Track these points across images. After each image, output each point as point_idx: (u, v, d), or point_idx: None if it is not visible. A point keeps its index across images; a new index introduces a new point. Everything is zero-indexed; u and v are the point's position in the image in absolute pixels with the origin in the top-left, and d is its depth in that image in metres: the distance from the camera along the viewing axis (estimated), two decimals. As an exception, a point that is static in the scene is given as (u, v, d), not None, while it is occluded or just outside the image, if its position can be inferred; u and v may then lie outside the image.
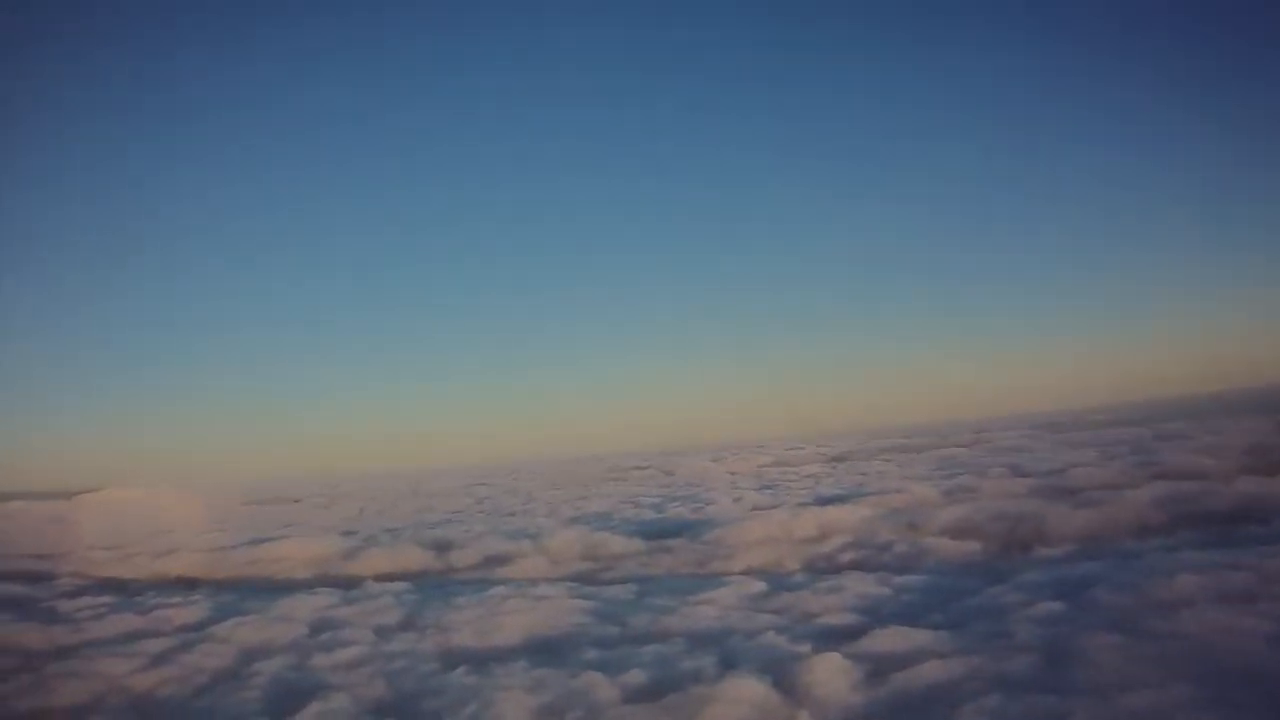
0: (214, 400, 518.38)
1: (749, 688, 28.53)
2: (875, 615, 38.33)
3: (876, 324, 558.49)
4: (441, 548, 71.93)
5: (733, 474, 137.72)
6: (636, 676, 30.78)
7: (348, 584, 57.71)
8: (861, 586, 44.24)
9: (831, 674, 29.62)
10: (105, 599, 56.52)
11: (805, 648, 33.03)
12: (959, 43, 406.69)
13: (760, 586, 45.98)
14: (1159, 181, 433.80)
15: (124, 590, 61.89)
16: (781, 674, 29.77)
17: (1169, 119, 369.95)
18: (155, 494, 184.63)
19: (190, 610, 51.12)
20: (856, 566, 52.61)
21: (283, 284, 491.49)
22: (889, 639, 33.15)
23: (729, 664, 31.73)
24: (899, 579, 45.50)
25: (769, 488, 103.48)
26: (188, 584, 66.56)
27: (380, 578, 59.36)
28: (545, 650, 37.08)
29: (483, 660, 35.33)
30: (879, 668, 29.99)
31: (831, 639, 34.38)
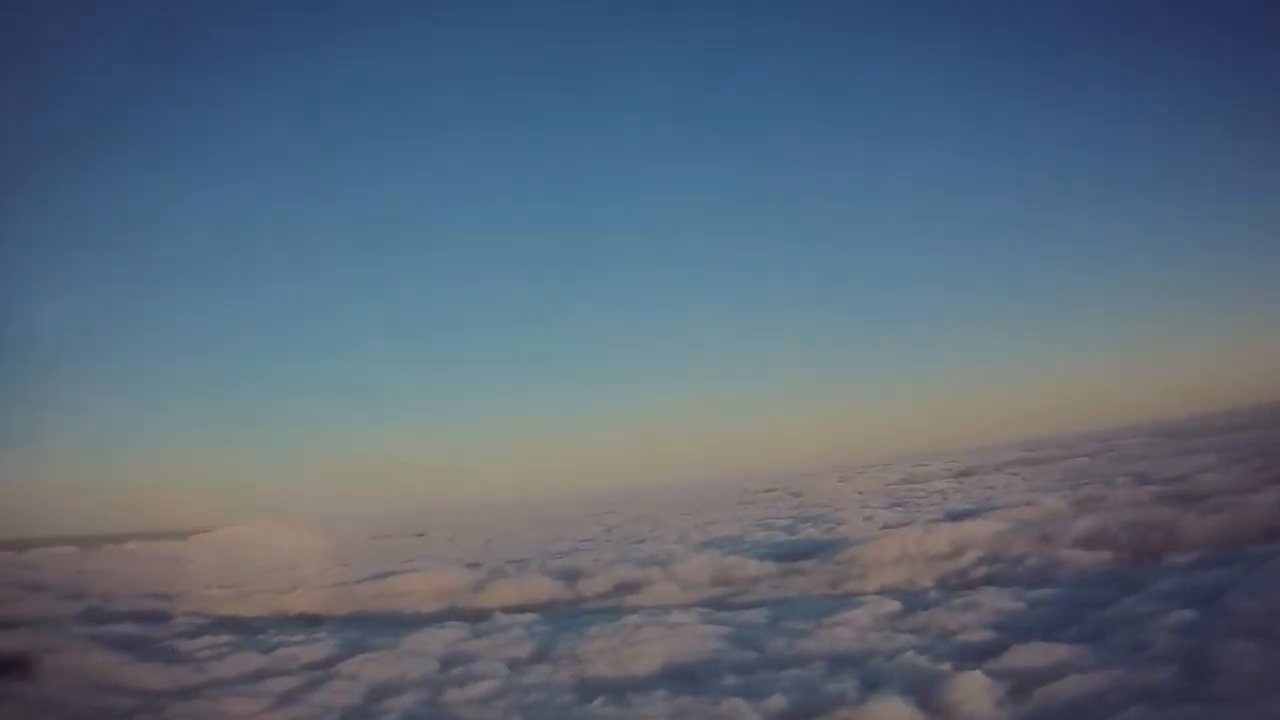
0: (330, 436, 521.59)
1: (894, 709, 28.54)
2: (1013, 631, 37.91)
3: (998, 336, 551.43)
4: (570, 577, 70.86)
5: (861, 493, 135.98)
6: (778, 702, 30.70)
7: (476, 616, 56.96)
8: (997, 602, 43.80)
9: (974, 692, 29.51)
10: (226, 638, 55.18)
11: (946, 666, 32.88)
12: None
13: (895, 606, 45.61)
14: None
15: (245, 629, 60.84)
16: (924, 694, 29.69)
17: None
18: (272, 531, 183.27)
19: (315, 648, 50.17)
20: (990, 581, 51.99)
21: (397, 315, 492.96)
22: (1028, 654, 32.84)
23: (871, 686, 31.52)
24: (1033, 593, 45.03)
25: (898, 505, 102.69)
26: (311, 621, 65.78)
27: (509, 609, 58.43)
28: (683, 678, 36.88)
29: (620, 690, 35.20)
30: (1021, 684, 29.85)
31: (971, 656, 34.21)
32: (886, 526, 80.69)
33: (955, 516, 77.95)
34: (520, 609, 58.74)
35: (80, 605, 76.19)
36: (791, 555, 68.58)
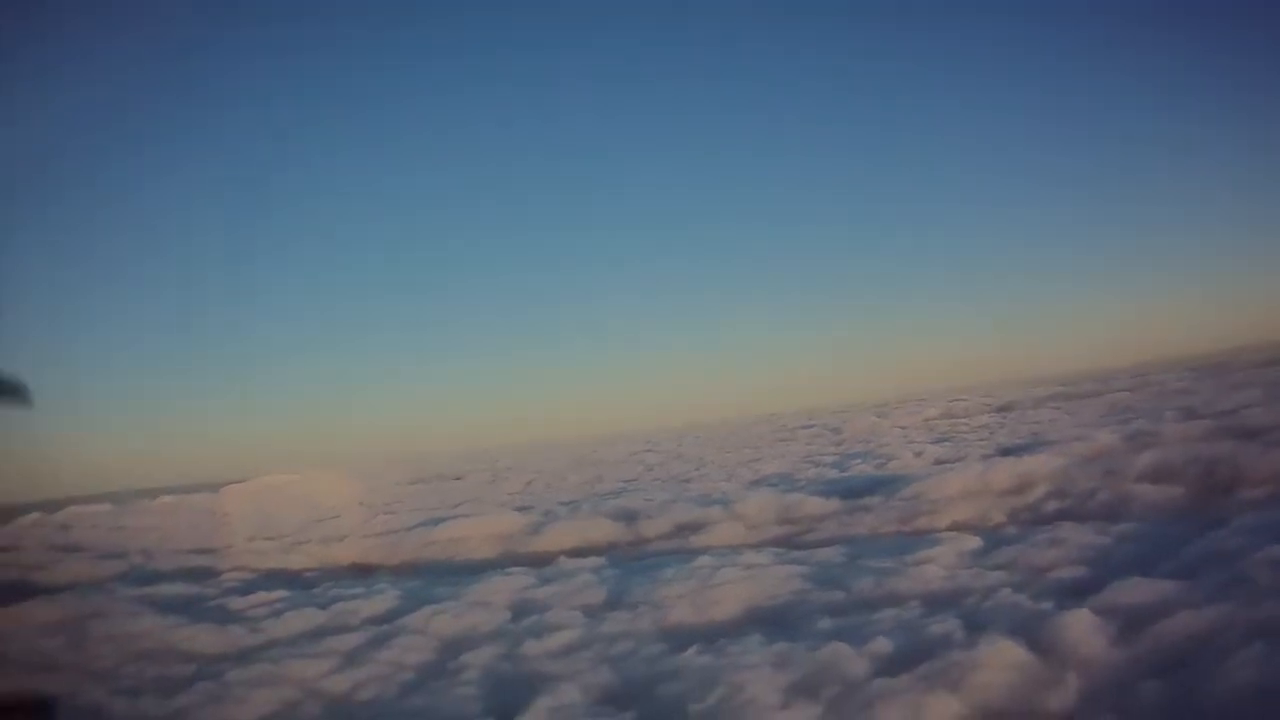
0: (357, 383, 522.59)
1: (1007, 651, 26.90)
2: (1105, 567, 36.43)
3: (1032, 272, 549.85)
4: (627, 518, 69.16)
5: (902, 428, 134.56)
6: (882, 645, 29.01)
7: (537, 562, 55.16)
8: (1079, 537, 42.29)
9: (1086, 631, 27.77)
10: (280, 593, 53.01)
11: (1047, 605, 31.27)
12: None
13: (976, 542, 44.11)
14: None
15: (296, 583, 59.15)
16: (1032, 634, 27.96)
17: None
18: (308, 479, 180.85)
19: (376, 601, 47.83)
20: (1064, 516, 50.68)
21: (416, 265, 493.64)
22: (1130, 591, 30.93)
23: (974, 627, 29.76)
24: (1116, 528, 43.50)
25: (944, 440, 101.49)
26: (363, 571, 64.51)
27: (570, 553, 57.10)
28: (773, 622, 35.21)
29: (710, 637, 33.39)
30: (1131, 622, 28.10)
31: (1072, 594, 32.73)
32: (939, 462, 79.81)
33: (1007, 451, 77.21)
34: (581, 552, 57.68)
35: (122, 565, 76.57)
36: (851, 492, 66.82)
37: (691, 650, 31.84)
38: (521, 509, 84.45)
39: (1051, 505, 55.54)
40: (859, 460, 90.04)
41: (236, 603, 51.70)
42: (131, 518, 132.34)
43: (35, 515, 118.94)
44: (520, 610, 42.33)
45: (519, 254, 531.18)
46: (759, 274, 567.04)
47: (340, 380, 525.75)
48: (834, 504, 63.63)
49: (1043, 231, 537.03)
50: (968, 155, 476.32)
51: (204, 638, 43.33)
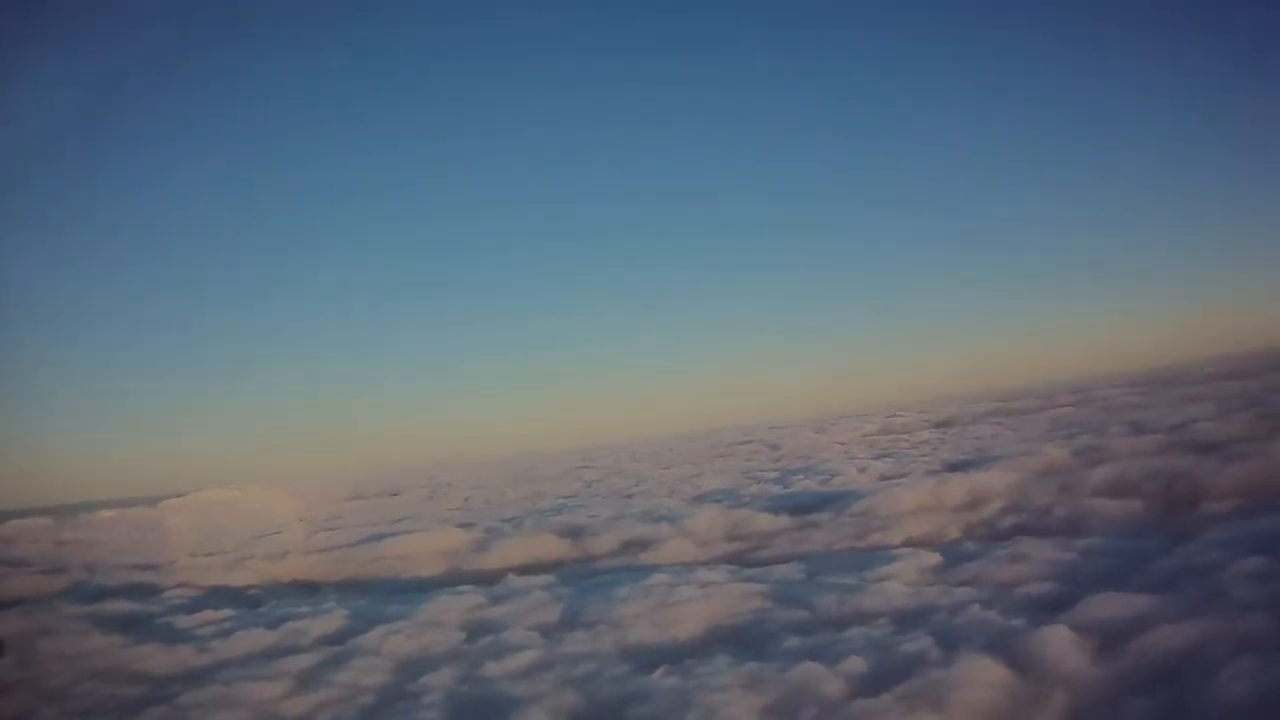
0: (283, 398, 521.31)
1: (986, 669, 25.87)
2: (1074, 582, 35.42)
3: (959, 287, 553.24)
4: (573, 534, 68.04)
5: (842, 444, 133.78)
6: (856, 664, 27.80)
7: (485, 579, 53.86)
8: (1042, 552, 41.39)
9: (1065, 647, 26.90)
10: (226, 612, 51.31)
11: (1020, 621, 30.28)
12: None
13: (935, 559, 43.16)
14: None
15: (242, 600, 57.81)
16: (1010, 651, 27.05)
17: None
18: (247, 495, 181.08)
19: (325, 620, 46.09)
20: (1022, 532, 49.69)
21: (344, 276, 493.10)
22: (1105, 606, 30.13)
23: (948, 644, 28.64)
24: (1080, 543, 42.54)
25: (886, 456, 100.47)
26: (308, 588, 63.04)
27: (518, 570, 55.78)
28: (738, 641, 33.98)
29: (675, 657, 31.98)
30: (1111, 637, 27.24)
31: (1044, 609, 31.85)
32: (883, 478, 78.91)
33: (954, 467, 76.78)
34: (530, 570, 56.41)
35: (65, 580, 74.86)
36: (799, 508, 65.90)
37: (659, 671, 30.42)
38: (464, 525, 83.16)
39: (1008, 520, 54.65)
40: (801, 476, 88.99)
41: (183, 621, 49.97)
42: (72, 531, 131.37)
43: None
44: (474, 630, 40.91)
45: (449, 271, 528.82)
46: (693, 289, 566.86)
47: (275, 395, 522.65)
48: (783, 520, 62.65)
49: (979, 246, 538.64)
50: (903, 171, 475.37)
51: (153, 657, 41.93)
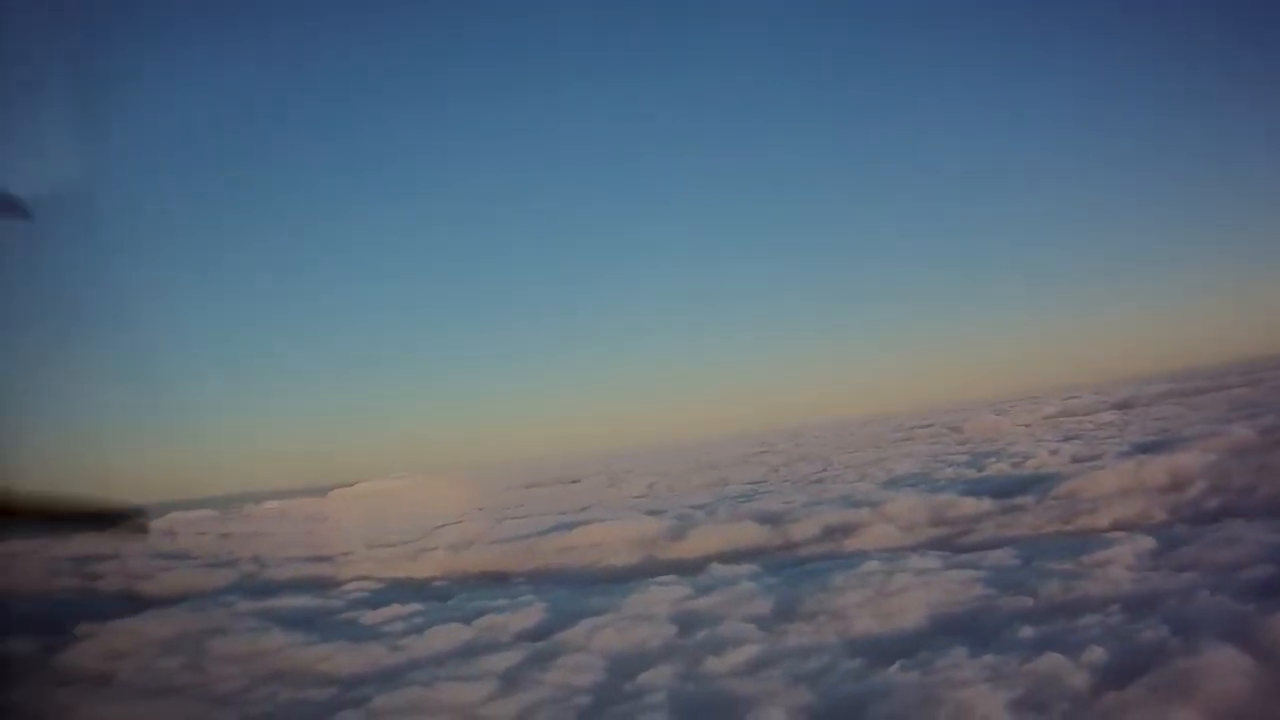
0: (460, 389, 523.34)
1: (1228, 657, 25.28)
2: (1296, 567, 34.59)
3: (1134, 270, 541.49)
4: (770, 521, 65.81)
5: (1025, 426, 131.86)
6: (1097, 654, 27.11)
7: (685, 569, 52.38)
8: (1256, 534, 40.17)
9: None
10: (415, 606, 49.64)
11: (1250, 607, 29.25)
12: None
13: (1150, 542, 42.17)
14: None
15: (429, 593, 55.96)
16: (1250, 639, 26.04)
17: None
18: (418, 484, 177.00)
19: (523, 614, 44.45)
20: (1228, 513, 48.27)
21: (505, 272, 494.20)
22: None
23: (1184, 631, 28.04)
24: (1294, 524, 41.16)
25: (1074, 438, 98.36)
26: (498, 579, 61.07)
27: (717, 559, 54.27)
28: (968, 631, 33.11)
29: (906, 649, 31.40)
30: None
31: (1270, 594, 30.55)
32: (1076, 460, 77.33)
33: (1144, 449, 74.13)
34: (729, 558, 54.76)
35: (233, 574, 72.57)
36: (999, 491, 64.55)
37: (895, 666, 29.77)
38: (652, 513, 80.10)
39: (1212, 502, 53.27)
40: (993, 459, 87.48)
41: (369, 617, 48.71)
42: (237, 524, 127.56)
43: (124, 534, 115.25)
44: (686, 622, 39.41)
45: (594, 260, 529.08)
46: (846, 278, 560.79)
47: (438, 385, 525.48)
48: (986, 504, 61.29)
49: (1125, 232, 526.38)
50: (1022, 155, 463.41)
51: (339, 657, 40.30)
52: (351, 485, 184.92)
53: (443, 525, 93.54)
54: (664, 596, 44.86)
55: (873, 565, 44.60)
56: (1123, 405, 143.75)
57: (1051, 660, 27.54)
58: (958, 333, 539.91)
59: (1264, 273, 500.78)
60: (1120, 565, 39.01)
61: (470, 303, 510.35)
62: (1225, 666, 25.08)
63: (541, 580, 59.16)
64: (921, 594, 39.00)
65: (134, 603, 54.52)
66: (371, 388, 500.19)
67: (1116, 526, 49.86)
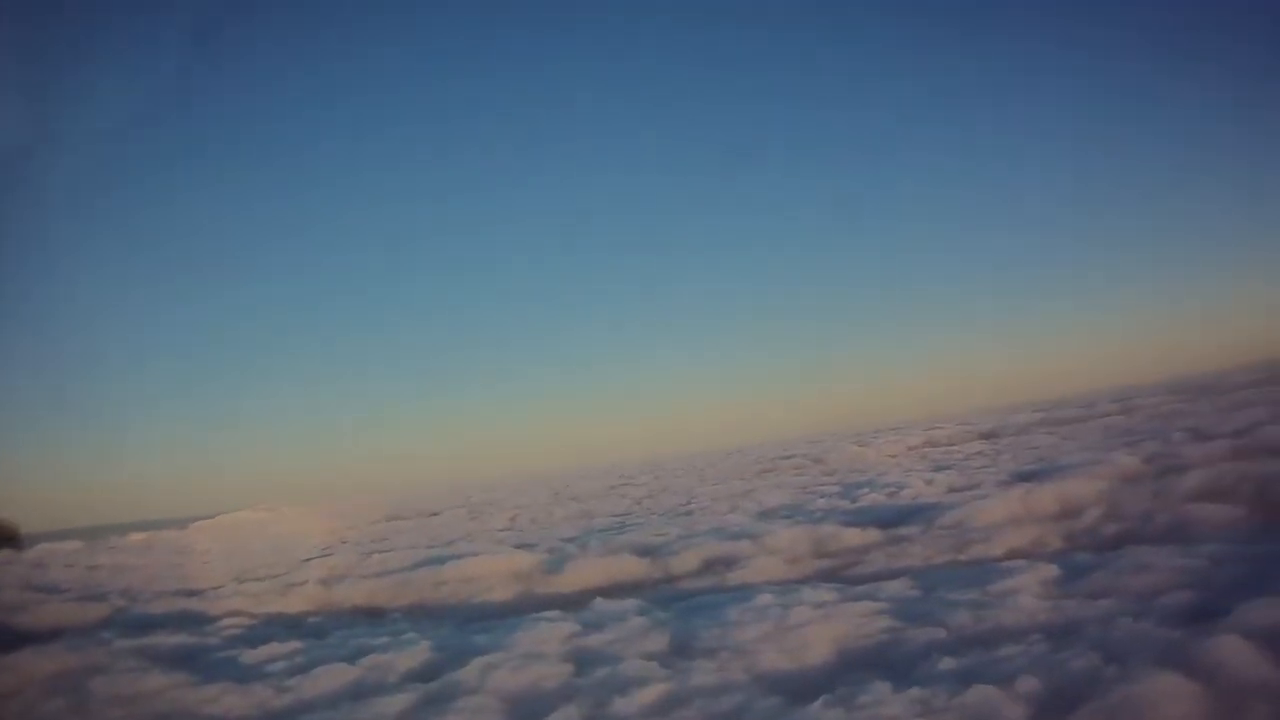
0: (315, 421, 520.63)
1: (1169, 682, 24.82)
2: (1214, 590, 34.13)
3: (983, 297, 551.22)
4: (647, 554, 65.24)
5: (891, 457, 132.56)
6: (1030, 684, 26.62)
7: (567, 603, 51.41)
8: (1164, 560, 39.80)
9: (1245, 657, 25.52)
10: (294, 644, 48.10)
11: (1179, 632, 28.94)
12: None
13: (1053, 570, 41.73)
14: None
15: (305, 629, 55.32)
16: (1187, 664, 25.56)
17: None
18: (281, 516, 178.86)
19: (409, 653, 42.97)
20: (1129, 540, 48.17)
21: (358, 295, 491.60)
22: (1268, 612, 28.47)
23: (1115, 659, 27.44)
24: (1203, 549, 40.93)
25: (946, 468, 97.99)
26: (373, 614, 60.48)
27: (596, 592, 53.71)
28: (884, 665, 32.16)
29: (820, 684, 30.39)
30: (1287, 644, 26.12)
31: (1196, 619, 30.42)
32: (954, 490, 77.57)
33: (1024, 477, 74.53)
34: (608, 592, 54.31)
35: (105, 608, 71.54)
36: (882, 522, 64.23)
37: (819, 703, 28.54)
38: (522, 546, 79.62)
39: (1110, 529, 53.24)
40: (866, 490, 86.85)
41: (248, 655, 46.90)
42: (104, 555, 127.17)
43: (5, 552, 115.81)
44: (582, 660, 38.06)
45: (460, 289, 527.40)
46: (711, 305, 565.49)
47: (289, 416, 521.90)
48: (872, 534, 60.87)
49: (995, 256, 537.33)
50: (916, 184, 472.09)
51: (226, 698, 38.79)
52: (213, 517, 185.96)
53: (310, 559, 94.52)
54: (552, 633, 43.52)
55: (766, 598, 43.69)
56: (990, 435, 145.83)
57: (983, 692, 26.74)
58: (815, 364, 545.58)
59: (1131, 301, 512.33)
60: (1028, 594, 38.37)
61: (315, 332, 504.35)
62: (1167, 691, 24.56)
63: (419, 616, 58.41)
64: (824, 627, 37.96)
65: (10, 637, 54.38)
66: (226, 416, 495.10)
67: (1012, 555, 49.42)
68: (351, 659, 43.05)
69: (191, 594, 75.94)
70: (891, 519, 65.16)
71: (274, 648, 47.58)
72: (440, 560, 75.83)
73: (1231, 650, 26.29)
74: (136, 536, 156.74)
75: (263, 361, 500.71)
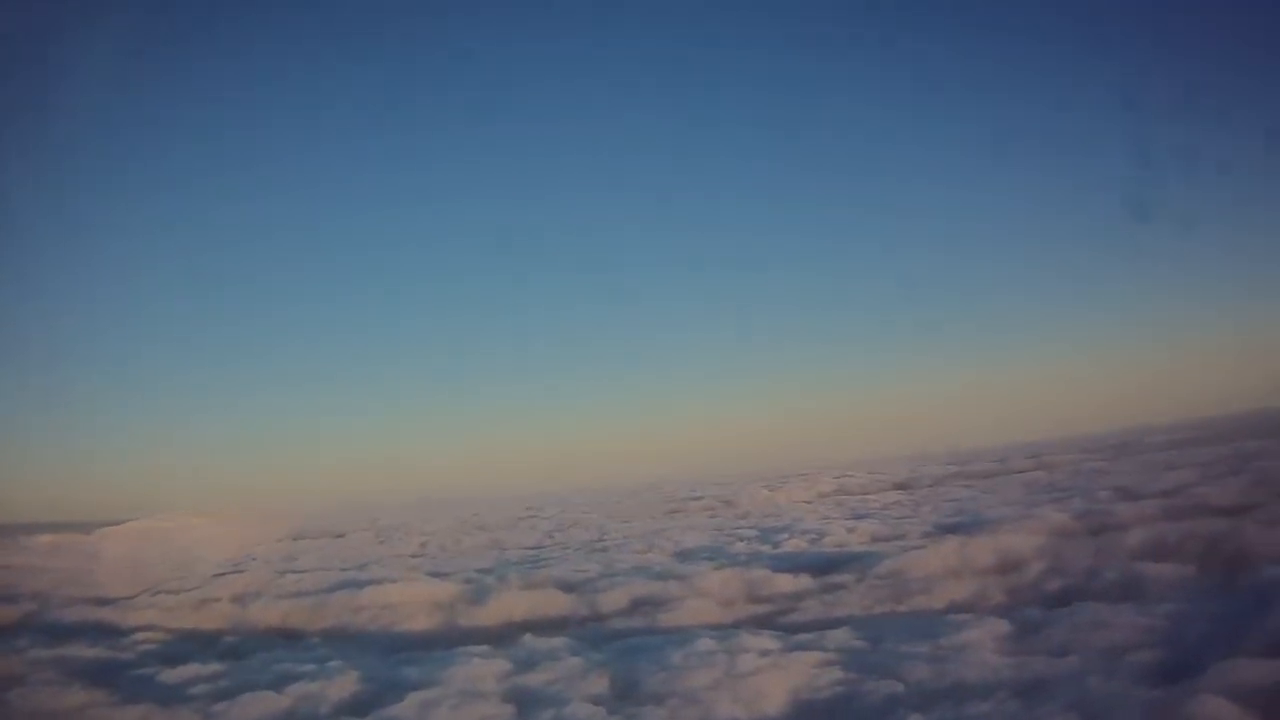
0: (201, 424, 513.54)
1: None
2: (1183, 649, 34.11)
3: (893, 349, 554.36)
4: (571, 590, 64.67)
5: (806, 503, 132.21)
6: None
7: (489, 637, 51.38)
8: (1121, 617, 39.91)
9: (1231, 717, 25.57)
10: (215, 666, 47.51)
11: (1157, 692, 28.89)
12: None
13: (1003, 625, 41.55)
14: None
15: (221, 649, 54.94)
16: None
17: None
18: (182, 525, 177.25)
19: (337, 682, 42.20)
20: (1076, 597, 47.85)
21: (282, 301, 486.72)
22: (1244, 672, 28.45)
23: (1093, 718, 27.50)
24: (1159, 608, 40.93)
25: (865, 517, 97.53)
26: (290, 637, 60.02)
27: (521, 627, 53.36)
28: (845, 718, 32.23)
29: None
30: (1271, 705, 25.87)
31: (1174, 678, 30.34)
32: (877, 539, 77.00)
33: (947, 529, 74.37)
34: (535, 628, 53.38)
35: (16, 611, 71.39)
36: (810, 569, 63.32)
37: None
38: (437, 574, 78.47)
39: (1053, 584, 52.88)
40: (785, 535, 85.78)
41: (168, 675, 46.39)
42: (13, 556, 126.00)
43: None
44: (523, 701, 37.76)
45: (350, 308, 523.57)
46: (612, 338, 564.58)
47: (192, 421, 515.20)
48: (805, 581, 60.15)
49: (904, 311, 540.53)
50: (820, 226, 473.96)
51: None
52: (119, 524, 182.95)
53: (221, 574, 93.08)
54: (486, 670, 43.03)
55: (708, 643, 43.21)
56: (904, 485, 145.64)
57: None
58: (722, 405, 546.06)
59: (1044, 356, 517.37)
60: (985, 649, 38.24)
61: (222, 342, 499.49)
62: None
63: (339, 641, 57.71)
64: (775, 676, 37.65)
65: None
66: (130, 422, 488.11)
67: (955, 608, 49.39)
68: (277, 686, 42.47)
69: (103, 603, 75.05)
70: (822, 566, 64.29)
71: (194, 668, 47.08)
72: (357, 584, 74.78)
73: (1216, 711, 26.17)
74: (44, 538, 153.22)
75: (166, 366, 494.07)
